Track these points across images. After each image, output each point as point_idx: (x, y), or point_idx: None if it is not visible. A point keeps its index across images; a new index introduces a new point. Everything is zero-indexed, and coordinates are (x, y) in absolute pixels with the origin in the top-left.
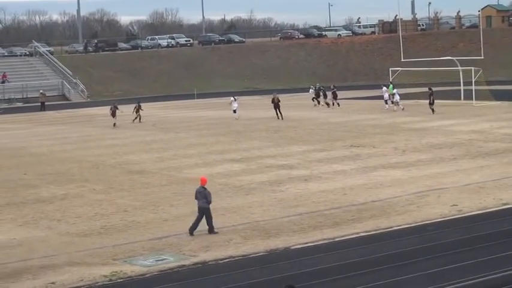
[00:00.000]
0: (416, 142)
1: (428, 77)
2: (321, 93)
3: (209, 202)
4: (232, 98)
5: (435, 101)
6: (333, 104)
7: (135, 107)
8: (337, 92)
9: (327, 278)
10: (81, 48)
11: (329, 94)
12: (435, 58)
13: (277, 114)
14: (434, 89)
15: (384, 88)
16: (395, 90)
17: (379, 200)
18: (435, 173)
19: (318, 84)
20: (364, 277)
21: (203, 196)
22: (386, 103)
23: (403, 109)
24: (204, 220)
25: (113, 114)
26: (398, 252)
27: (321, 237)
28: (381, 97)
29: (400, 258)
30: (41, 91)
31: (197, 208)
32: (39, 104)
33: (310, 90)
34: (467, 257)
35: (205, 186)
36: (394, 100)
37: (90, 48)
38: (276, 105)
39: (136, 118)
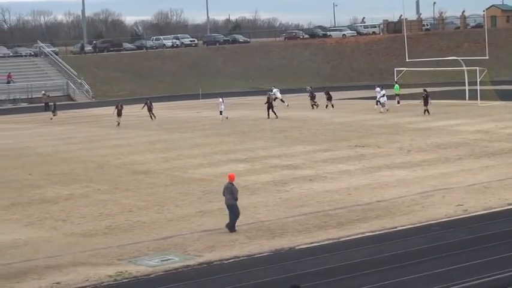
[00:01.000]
0: (422, 142)
1: (433, 77)
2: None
3: (235, 198)
4: (220, 99)
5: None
6: (326, 106)
7: (146, 106)
8: (331, 94)
9: (332, 278)
10: (86, 48)
11: (322, 96)
12: (440, 58)
13: (268, 114)
14: (439, 89)
15: (378, 88)
16: (383, 92)
17: (384, 200)
18: (440, 173)
19: (308, 86)
20: (370, 277)
21: (230, 192)
22: (377, 104)
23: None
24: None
25: (119, 114)
26: (404, 252)
27: (326, 237)
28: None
29: (406, 258)
30: (43, 92)
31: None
32: (43, 104)
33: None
34: (472, 257)
35: (233, 183)
36: (382, 101)
37: (89, 49)
38: (270, 105)
39: (151, 116)
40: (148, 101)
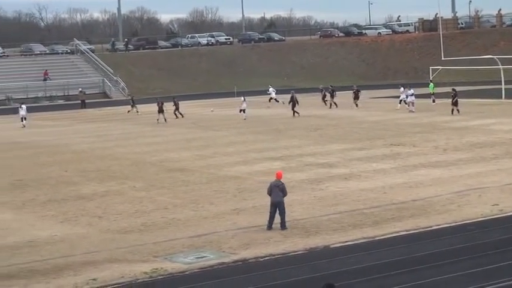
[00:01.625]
0: (457, 141)
1: (468, 76)
2: (328, 93)
3: (285, 195)
4: (242, 98)
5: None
6: (331, 104)
7: (174, 104)
8: (335, 92)
9: (367, 277)
10: (121, 46)
11: (328, 95)
12: (476, 57)
13: (293, 112)
14: (474, 87)
15: (402, 88)
16: (411, 91)
17: (419, 199)
18: (476, 172)
19: (321, 86)
20: (404, 276)
21: (281, 189)
22: (401, 103)
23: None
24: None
25: (160, 110)
26: (438, 252)
27: (361, 236)
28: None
29: (440, 257)
30: (80, 89)
31: (270, 203)
32: (80, 102)
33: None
34: (508, 257)
35: (281, 180)
36: (408, 100)
37: (121, 47)
38: (294, 104)
39: (176, 115)
40: (159, 102)
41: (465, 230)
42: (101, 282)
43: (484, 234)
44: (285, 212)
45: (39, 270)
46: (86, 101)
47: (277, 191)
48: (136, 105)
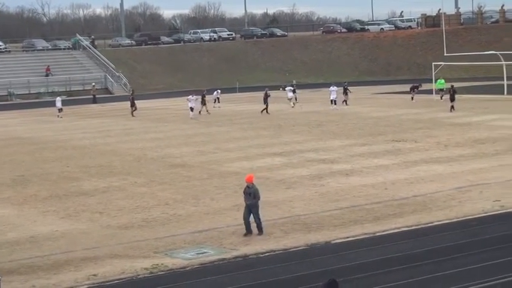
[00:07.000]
0: (459, 137)
1: (471, 72)
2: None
3: (258, 199)
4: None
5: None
6: (343, 101)
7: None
8: (349, 89)
9: (368, 273)
10: (125, 41)
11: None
12: (479, 52)
13: (265, 109)
14: (477, 83)
15: (333, 88)
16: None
17: (421, 195)
18: (478, 168)
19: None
20: (405, 272)
21: (253, 195)
22: (332, 103)
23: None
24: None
25: (203, 102)
26: (440, 248)
27: (362, 232)
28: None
29: (442, 253)
30: (93, 84)
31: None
32: (91, 96)
33: (287, 88)
34: (509, 253)
35: (252, 183)
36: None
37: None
38: (265, 100)
39: (202, 109)
40: (203, 94)
41: (466, 226)
42: (101, 277)
43: (485, 230)
44: (258, 215)
45: (40, 266)
46: (88, 96)
47: (249, 196)
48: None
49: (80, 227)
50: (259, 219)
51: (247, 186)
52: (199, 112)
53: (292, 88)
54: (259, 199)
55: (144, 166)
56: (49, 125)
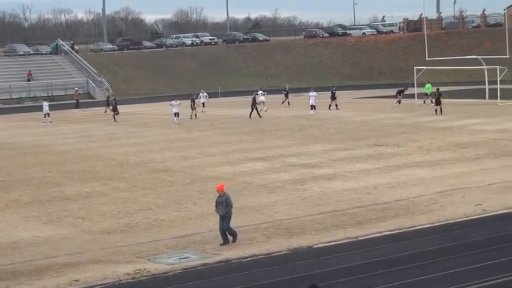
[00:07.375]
0: (441, 141)
1: (453, 76)
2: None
3: (230, 206)
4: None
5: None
6: (329, 106)
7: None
8: (336, 94)
9: (350, 277)
10: (107, 46)
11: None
12: (460, 57)
13: (251, 113)
14: (459, 88)
15: (312, 93)
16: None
17: (403, 199)
18: (459, 172)
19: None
20: (388, 276)
21: (226, 204)
22: (312, 108)
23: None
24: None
25: (192, 107)
26: (422, 252)
27: (344, 236)
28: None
29: (424, 257)
30: (76, 89)
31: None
32: (74, 101)
33: (259, 92)
34: (491, 257)
35: (224, 192)
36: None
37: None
38: (253, 104)
39: (192, 114)
40: (192, 98)
41: (449, 230)
42: (83, 283)
43: (467, 234)
44: (229, 226)
45: (22, 271)
46: (70, 101)
47: (221, 205)
48: (111, 106)
49: (62, 233)
50: (229, 229)
51: (219, 196)
52: (190, 117)
53: (263, 92)
54: (231, 207)
55: (126, 171)
56: (30, 130)
